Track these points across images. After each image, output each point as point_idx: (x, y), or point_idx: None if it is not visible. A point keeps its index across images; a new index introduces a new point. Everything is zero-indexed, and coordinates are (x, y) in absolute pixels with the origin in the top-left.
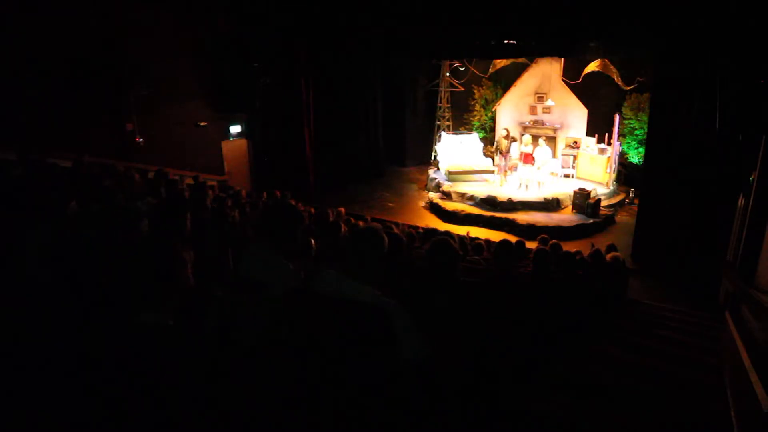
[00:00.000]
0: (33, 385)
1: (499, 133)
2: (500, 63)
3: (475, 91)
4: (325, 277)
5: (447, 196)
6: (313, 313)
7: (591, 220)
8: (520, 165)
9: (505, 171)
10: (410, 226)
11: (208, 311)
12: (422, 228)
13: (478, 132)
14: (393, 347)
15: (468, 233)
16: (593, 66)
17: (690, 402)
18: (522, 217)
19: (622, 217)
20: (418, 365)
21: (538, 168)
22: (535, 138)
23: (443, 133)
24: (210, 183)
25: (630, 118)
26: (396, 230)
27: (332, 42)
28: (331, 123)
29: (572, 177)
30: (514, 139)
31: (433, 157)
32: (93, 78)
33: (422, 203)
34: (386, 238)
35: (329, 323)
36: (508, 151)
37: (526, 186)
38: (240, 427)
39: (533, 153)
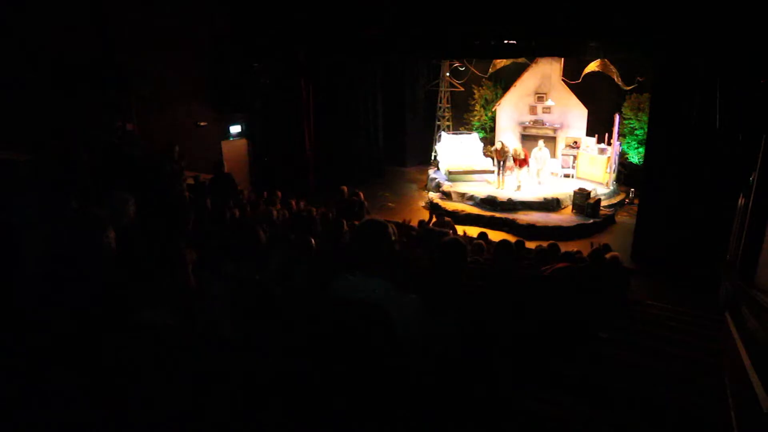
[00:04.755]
0: (33, 385)
1: (496, 145)
2: (500, 63)
3: (475, 91)
4: (342, 280)
5: (447, 196)
6: (314, 313)
7: (591, 220)
8: (516, 169)
9: (501, 174)
10: (410, 227)
11: (207, 310)
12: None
13: (478, 132)
14: (394, 346)
15: (465, 232)
16: (593, 66)
17: (690, 402)
18: (522, 217)
19: (622, 217)
20: (420, 364)
21: (538, 170)
22: (535, 138)
23: (443, 133)
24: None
25: (630, 118)
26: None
27: (332, 42)
28: (331, 123)
29: (572, 177)
30: (506, 157)
31: (433, 157)
32: (93, 78)
33: (422, 203)
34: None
35: (331, 323)
36: (504, 162)
37: (518, 186)
38: (241, 427)
39: (527, 157)
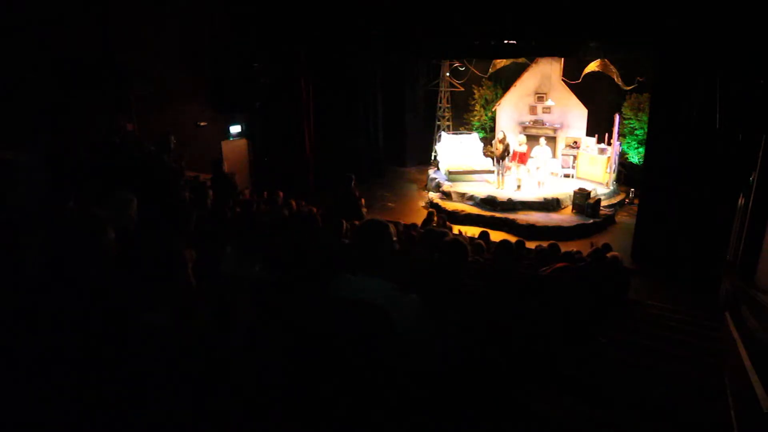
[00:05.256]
0: (32, 386)
1: (498, 135)
2: (500, 63)
3: (475, 91)
4: (342, 280)
5: (447, 196)
6: (314, 313)
7: (591, 220)
8: (514, 166)
9: (501, 174)
10: (410, 226)
11: (207, 311)
12: (422, 228)
13: (478, 132)
14: (395, 346)
15: (461, 232)
16: (593, 66)
17: (690, 402)
18: (522, 217)
19: (622, 217)
20: (420, 364)
21: (537, 168)
22: (536, 138)
23: (443, 133)
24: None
25: (630, 118)
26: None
27: (332, 42)
28: (331, 123)
29: (572, 177)
30: (507, 151)
31: (433, 157)
32: (93, 78)
33: (422, 203)
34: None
35: (331, 323)
36: (503, 158)
37: (518, 186)
38: (242, 428)
39: (529, 153)
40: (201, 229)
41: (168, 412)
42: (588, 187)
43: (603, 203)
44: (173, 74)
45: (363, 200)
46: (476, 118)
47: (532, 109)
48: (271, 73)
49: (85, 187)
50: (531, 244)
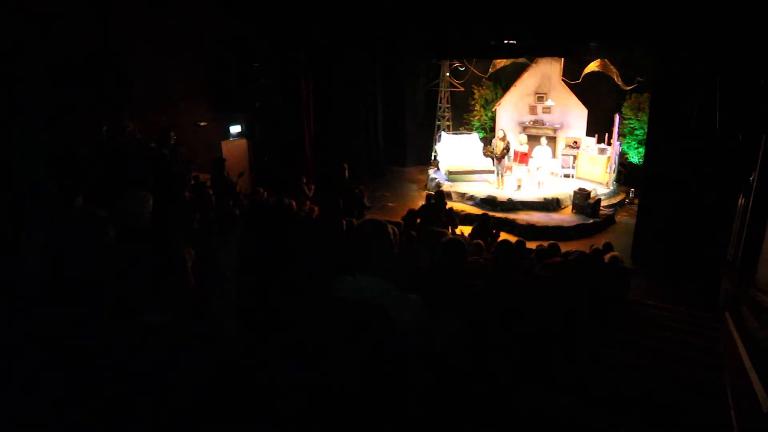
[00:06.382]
0: (33, 385)
1: (498, 133)
2: (500, 63)
3: (475, 91)
4: (341, 280)
5: (447, 196)
6: (314, 313)
7: (591, 220)
8: (515, 165)
9: (501, 174)
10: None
11: (207, 310)
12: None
13: (478, 132)
14: (395, 347)
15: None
16: (593, 66)
17: (690, 402)
18: (522, 217)
19: (622, 217)
20: (420, 364)
21: (537, 168)
22: (536, 138)
23: (443, 133)
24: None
25: (630, 118)
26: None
27: (332, 42)
28: (331, 123)
29: (572, 177)
30: (507, 149)
31: (433, 157)
32: (93, 78)
33: (422, 203)
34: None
35: (331, 323)
36: (502, 157)
37: (519, 186)
38: (241, 427)
39: (529, 153)
40: (202, 228)
41: (168, 411)
42: (588, 187)
43: (603, 203)
44: (173, 74)
45: (362, 188)
46: (476, 118)
47: (532, 109)
48: (271, 73)
49: (94, 186)
50: (531, 244)
